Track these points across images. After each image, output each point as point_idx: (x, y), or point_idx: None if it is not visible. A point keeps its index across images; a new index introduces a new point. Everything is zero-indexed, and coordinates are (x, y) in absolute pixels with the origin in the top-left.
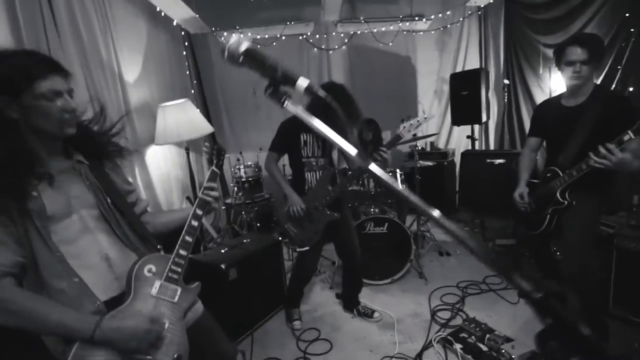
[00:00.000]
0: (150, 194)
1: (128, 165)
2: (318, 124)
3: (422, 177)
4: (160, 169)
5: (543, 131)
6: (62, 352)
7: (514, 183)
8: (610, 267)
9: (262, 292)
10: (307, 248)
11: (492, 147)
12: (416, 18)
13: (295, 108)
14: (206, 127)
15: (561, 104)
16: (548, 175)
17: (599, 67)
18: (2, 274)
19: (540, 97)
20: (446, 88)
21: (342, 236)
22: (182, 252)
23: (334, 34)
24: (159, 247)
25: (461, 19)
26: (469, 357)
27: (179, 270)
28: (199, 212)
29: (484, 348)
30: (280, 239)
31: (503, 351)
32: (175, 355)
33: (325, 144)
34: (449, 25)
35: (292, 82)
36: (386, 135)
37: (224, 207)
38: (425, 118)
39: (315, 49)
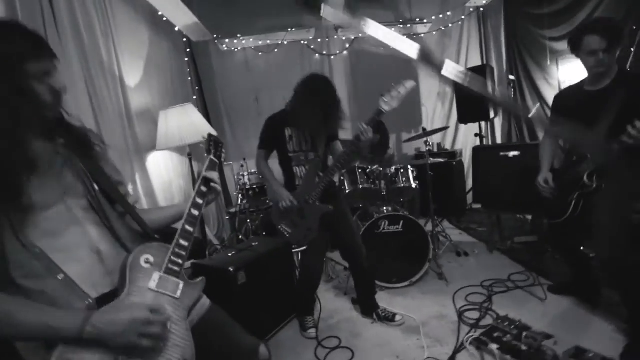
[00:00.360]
0: (151, 201)
1: (128, 171)
2: None
3: (433, 176)
4: (162, 177)
5: (566, 117)
6: None
7: (530, 175)
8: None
9: (273, 299)
10: (304, 247)
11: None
12: (417, 19)
13: None
14: (209, 131)
15: (584, 89)
16: (574, 159)
17: (621, 50)
18: None
19: (547, 90)
20: (449, 90)
21: (342, 234)
22: (183, 242)
23: (335, 37)
24: (156, 237)
25: (461, 20)
26: (508, 357)
27: (180, 262)
28: (199, 200)
29: (523, 347)
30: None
31: (544, 349)
32: None
33: (313, 137)
34: (450, 25)
35: None
36: (391, 140)
37: (227, 217)
38: (405, 87)
39: (317, 54)
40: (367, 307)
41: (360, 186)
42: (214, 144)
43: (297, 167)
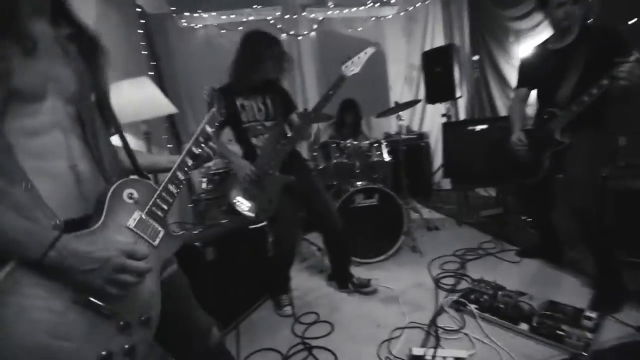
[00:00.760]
0: None
1: None
2: None
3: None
4: None
5: (533, 79)
6: None
7: (497, 147)
8: (608, 211)
9: (245, 278)
10: (264, 223)
11: None
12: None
13: None
14: (168, 106)
15: (548, 48)
16: (545, 117)
17: (586, 4)
18: None
19: (508, 71)
20: (415, 74)
21: (314, 204)
22: (172, 188)
23: (303, 15)
24: (146, 175)
25: (427, 2)
26: (487, 315)
27: (165, 207)
28: (195, 150)
29: (501, 305)
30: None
31: (521, 304)
32: (143, 317)
33: (269, 105)
34: (417, 5)
35: None
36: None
37: (191, 205)
38: (365, 53)
39: (284, 34)
40: (343, 279)
41: (334, 161)
42: (217, 98)
43: (254, 138)
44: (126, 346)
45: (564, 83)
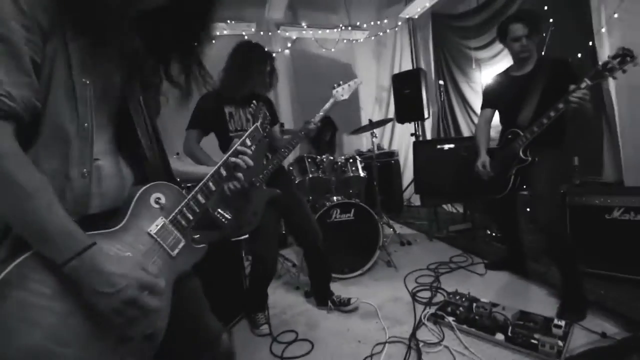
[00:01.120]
0: None
1: None
2: None
3: (371, 177)
4: None
5: (496, 101)
6: None
7: (464, 165)
8: (566, 224)
9: (219, 297)
10: (246, 236)
11: None
12: (357, 24)
13: None
14: None
15: (510, 75)
16: (509, 137)
17: (541, 38)
18: (6, 112)
19: (470, 94)
20: (385, 95)
21: (297, 219)
22: (201, 197)
23: (277, 33)
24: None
25: (395, 29)
26: (464, 326)
27: (191, 217)
28: (233, 161)
29: (476, 316)
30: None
31: (495, 315)
32: (148, 332)
33: (258, 116)
34: (387, 31)
35: None
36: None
37: None
38: (355, 82)
39: None
40: (322, 296)
41: (310, 175)
42: (262, 115)
43: None
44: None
45: (525, 106)
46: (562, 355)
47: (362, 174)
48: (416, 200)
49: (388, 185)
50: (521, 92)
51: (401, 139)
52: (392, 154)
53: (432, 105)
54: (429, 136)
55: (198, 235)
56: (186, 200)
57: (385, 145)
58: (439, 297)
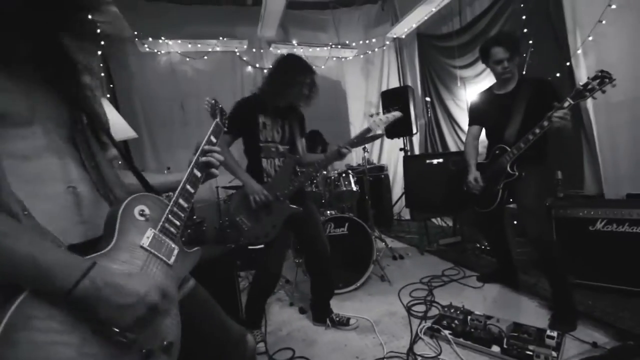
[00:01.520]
0: None
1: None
2: None
3: (363, 191)
4: None
5: (483, 118)
6: None
7: (452, 179)
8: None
9: None
10: (261, 246)
11: None
12: (346, 42)
13: None
14: (127, 130)
15: (494, 93)
16: (497, 152)
17: (521, 59)
18: None
19: (456, 111)
20: (373, 110)
21: (311, 233)
22: (183, 202)
23: (269, 50)
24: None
25: (383, 48)
26: (460, 339)
27: (178, 223)
28: (202, 161)
29: (472, 329)
30: (233, 246)
31: (490, 327)
32: (165, 343)
33: (287, 131)
34: (375, 50)
35: None
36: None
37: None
38: (394, 115)
39: (250, 67)
40: (321, 312)
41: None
42: (219, 109)
43: (265, 160)
44: None
45: (510, 123)
46: None
47: (354, 188)
48: (406, 214)
49: (378, 200)
50: (505, 109)
51: (390, 154)
52: (382, 169)
53: (419, 120)
54: (417, 151)
55: (196, 248)
56: (169, 206)
57: (375, 160)
58: (434, 311)
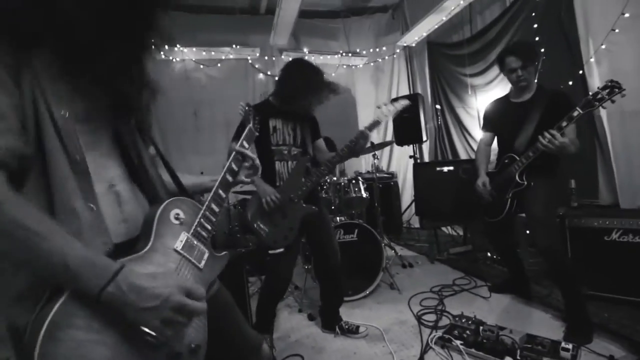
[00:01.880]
0: None
1: None
2: None
3: (373, 198)
4: None
5: (495, 125)
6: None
7: (463, 186)
8: (566, 247)
9: None
10: (281, 250)
11: None
12: (357, 50)
13: None
14: None
15: (510, 101)
16: (506, 161)
17: (537, 68)
18: None
19: (466, 118)
20: (384, 110)
21: (323, 238)
22: (214, 206)
23: (280, 58)
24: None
25: (393, 56)
26: (472, 350)
27: (209, 228)
28: (235, 167)
29: (484, 340)
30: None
31: (502, 338)
32: (193, 345)
33: (299, 133)
34: (386, 58)
35: None
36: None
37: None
38: (402, 104)
39: (262, 74)
40: (330, 319)
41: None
42: (252, 114)
43: (279, 162)
44: None
45: (522, 132)
46: None
47: (364, 194)
48: (415, 222)
49: (388, 207)
50: (519, 118)
51: (399, 161)
52: (391, 176)
53: (429, 128)
54: (426, 158)
55: (225, 252)
56: (202, 211)
57: (384, 167)
58: (445, 321)
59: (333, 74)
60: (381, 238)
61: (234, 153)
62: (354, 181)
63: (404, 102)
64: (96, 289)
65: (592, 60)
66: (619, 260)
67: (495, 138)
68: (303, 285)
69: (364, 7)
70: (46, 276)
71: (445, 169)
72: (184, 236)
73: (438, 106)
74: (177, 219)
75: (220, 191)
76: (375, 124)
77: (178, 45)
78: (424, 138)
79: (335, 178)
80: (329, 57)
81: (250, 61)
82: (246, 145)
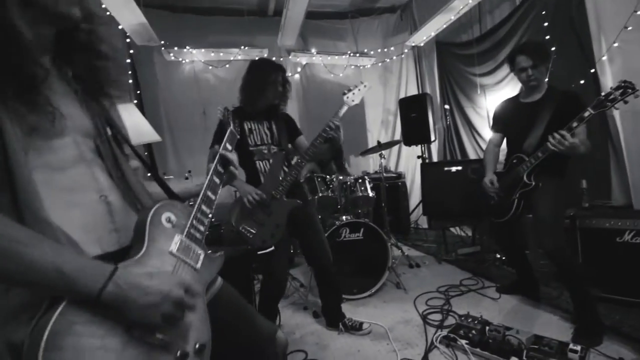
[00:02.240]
0: None
1: None
2: None
3: (380, 197)
4: None
5: (505, 126)
6: (17, 326)
7: (471, 186)
8: (577, 248)
9: None
10: (272, 248)
11: None
12: (365, 51)
13: None
14: (152, 134)
15: (520, 101)
16: (514, 161)
17: (548, 68)
18: None
19: (476, 118)
20: (391, 118)
21: (310, 237)
22: (205, 208)
23: (288, 59)
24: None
25: (402, 56)
26: (478, 350)
27: (202, 228)
28: (221, 169)
29: (490, 340)
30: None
31: (509, 339)
32: (197, 345)
33: (274, 131)
34: (394, 58)
35: None
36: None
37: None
38: (365, 86)
39: None
40: (333, 317)
41: (320, 194)
42: (231, 117)
43: (259, 162)
44: None
45: (532, 133)
46: None
47: (370, 194)
48: (423, 223)
49: (395, 207)
50: (529, 118)
51: (407, 161)
52: (399, 176)
53: (438, 128)
54: (435, 158)
55: (220, 253)
56: (194, 212)
57: (392, 167)
58: (450, 320)
59: (341, 74)
60: (388, 237)
61: (218, 155)
62: (360, 180)
63: (368, 84)
64: (96, 290)
65: (604, 58)
66: (631, 262)
67: (505, 139)
68: (308, 283)
69: (372, 7)
70: (42, 286)
71: (454, 169)
72: (178, 238)
73: (447, 106)
74: (169, 221)
75: (209, 193)
76: (341, 111)
77: (187, 47)
78: (432, 138)
79: (341, 177)
80: (337, 57)
81: None
82: (229, 147)
